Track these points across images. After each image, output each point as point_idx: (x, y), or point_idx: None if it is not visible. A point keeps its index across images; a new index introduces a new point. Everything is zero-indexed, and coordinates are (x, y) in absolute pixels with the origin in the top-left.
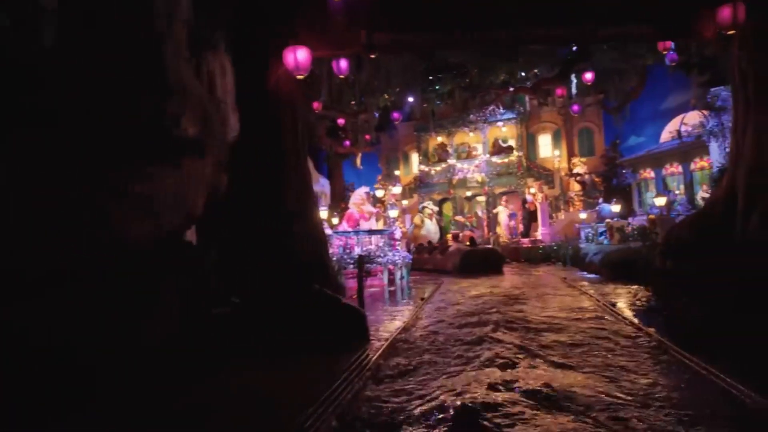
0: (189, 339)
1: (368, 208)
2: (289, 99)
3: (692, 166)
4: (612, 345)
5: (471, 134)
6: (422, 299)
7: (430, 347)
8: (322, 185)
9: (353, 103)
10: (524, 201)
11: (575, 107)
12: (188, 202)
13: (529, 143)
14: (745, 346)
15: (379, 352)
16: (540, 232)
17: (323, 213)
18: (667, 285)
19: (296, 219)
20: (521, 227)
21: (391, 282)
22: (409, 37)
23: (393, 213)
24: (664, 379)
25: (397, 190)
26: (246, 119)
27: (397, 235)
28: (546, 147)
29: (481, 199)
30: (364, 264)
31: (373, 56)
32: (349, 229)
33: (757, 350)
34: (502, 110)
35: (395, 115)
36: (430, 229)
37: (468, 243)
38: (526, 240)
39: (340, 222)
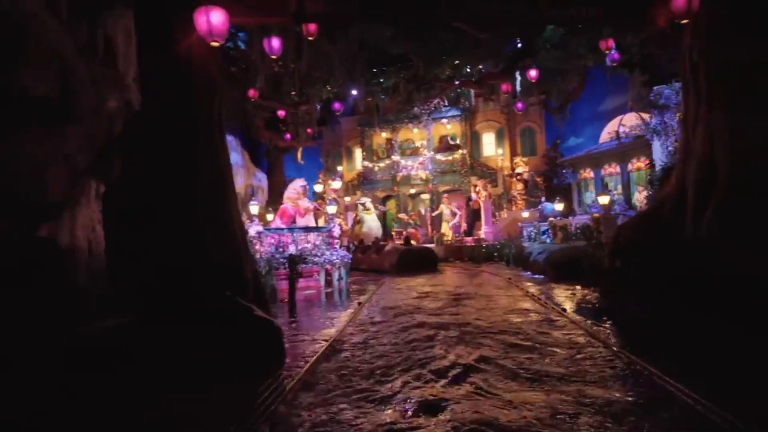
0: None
1: (305, 203)
2: (202, 71)
3: (629, 166)
4: (566, 353)
5: (415, 130)
6: (359, 303)
7: (362, 368)
8: (259, 179)
9: (293, 93)
10: (468, 199)
11: (519, 105)
12: (35, 185)
13: (473, 141)
14: (693, 346)
15: (293, 382)
16: (483, 231)
17: (254, 208)
18: (615, 285)
19: (207, 213)
20: (465, 226)
21: (329, 283)
22: (346, 8)
23: (332, 209)
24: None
25: (336, 184)
26: (149, 93)
27: (336, 232)
28: (490, 146)
29: (426, 197)
30: (296, 264)
31: (310, 37)
32: (283, 226)
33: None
34: (446, 106)
35: (336, 105)
36: (372, 226)
37: (403, 242)
38: (469, 239)
39: (275, 218)
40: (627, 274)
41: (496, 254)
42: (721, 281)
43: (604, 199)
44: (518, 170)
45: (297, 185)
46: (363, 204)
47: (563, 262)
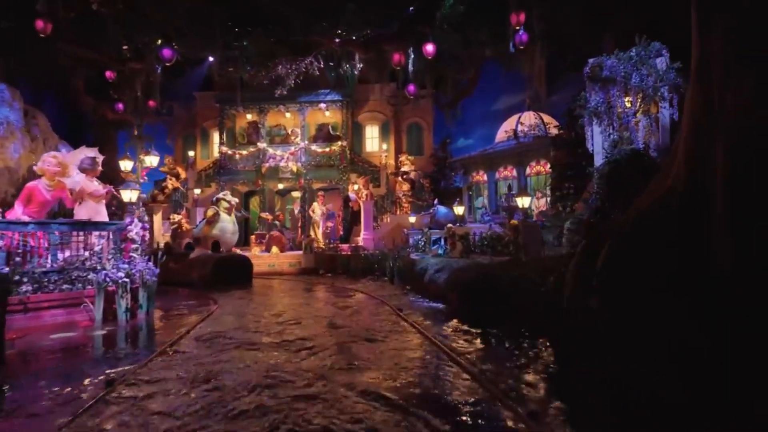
0: None
1: (76, 181)
2: None
3: (528, 170)
4: None
5: (288, 115)
6: (166, 348)
7: None
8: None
9: (126, 48)
10: (347, 199)
11: (411, 88)
12: None
13: (354, 133)
14: None
15: None
16: (362, 237)
17: None
18: (590, 339)
19: None
20: (341, 230)
21: (111, 316)
22: None
23: (129, 195)
24: None
25: (152, 160)
26: None
27: (135, 232)
28: (373, 140)
29: (297, 194)
30: (7, 287)
31: None
32: (26, 218)
33: None
34: (325, 90)
35: (166, 52)
36: (226, 228)
37: (210, 248)
38: (345, 246)
39: (26, 204)
40: (618, 325)
41: (377, 266)
42: None
43: (525, 201)
44: (404, 169)
45: (69, 155)
46: (225, 199)
47: (475, 287)
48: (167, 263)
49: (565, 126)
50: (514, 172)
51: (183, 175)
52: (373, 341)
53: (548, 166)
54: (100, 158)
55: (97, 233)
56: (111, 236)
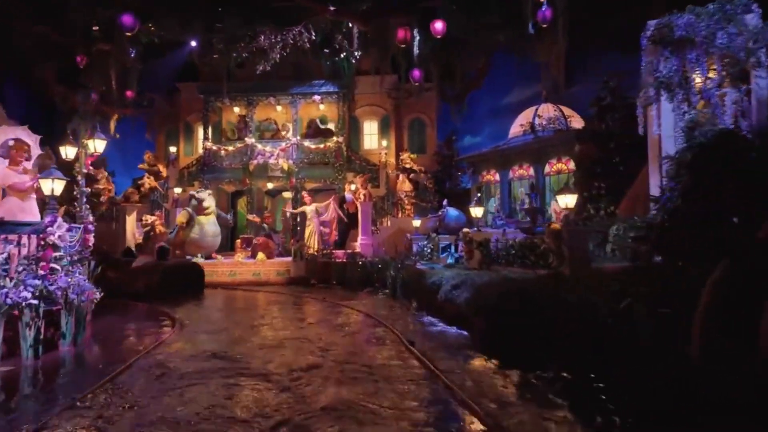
0: None
1: (13, 174)
2: None
3: (547, 168)
4: None
5: (279, 108)
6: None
7: None
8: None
9: (96, 29)
10: (342, 200)
11: (416, 73)
12: None
13: (351, 129)
14: None
15: None
16: (360, 242)
17: None
18: None
19: None
20: (335, 235)
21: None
22: None
23: (50, 186)
24: None
25: (98, 146)
26: None
27: (58, 236)
28: (372, 137)
29: (288, 195)
30: None
31: None
32: None
33: None
34: (320, 81)
35: (126, 18)
36: (207, 231)
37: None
38: (341, 252)
39: None
40: None
41: (376, 276)
42: None
43: (568, 200)
44: (407, 166)
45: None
46: (196, 197)
47: (507, 310)
48: (104, 272)
49: (595, 116)
50: (531, 171)
51: (164, 173)
52: (375, 395)
53: (570, 163)
54: (32, 141)
55: (17, 234)
56: (23, 241)
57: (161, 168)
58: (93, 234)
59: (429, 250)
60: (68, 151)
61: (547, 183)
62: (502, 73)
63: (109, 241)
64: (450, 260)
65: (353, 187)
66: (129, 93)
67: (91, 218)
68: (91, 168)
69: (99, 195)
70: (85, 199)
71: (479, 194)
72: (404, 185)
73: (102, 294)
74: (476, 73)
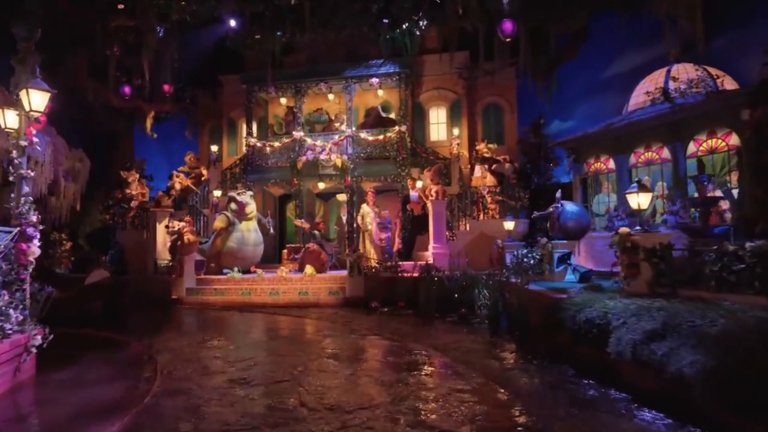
0: None
1: None
2: None
3: (691, 146)
4: None
5: (331, 96)
6: None
7: None
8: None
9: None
10: (406, 200)
11: (507, 25)
12: None
13: (416, 118)
14: None
15: None
16: (431, 251)
17: None
18: None
19: None
20: (399, 243)
21: None
22: None
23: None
24: None
25: (36, 100)
26: None
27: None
28: (439, 127)
29: (343, 197)
30: None
31: None
32: None
33: None
34: (378, 61)
35: None
36: (247, 239)
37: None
38: (408, 264)
39: None
40: None
41: (456, 296)
42: None
43: None
44: (486, 156)
45: None
46: (236, 199)
47: None
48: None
49: None
50: (665, 152)
51: (206, 175)
52: None
53: (732, 137)
54: None
55: None
56: None
57: (204, 171)
58: (36, 244)
59: (533, 261)
60: (6, 117)
61: (688, 167)
62: (600, 42)
63: (139, 252)
64: (570, 276)
65: (419, 183)
66: (166, 87)
67: (34, 218)
68: (35, 139)
69: (129, 201)
70: (26, 189)
71: (580, 187)
72: (485, 179)
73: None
74: (568, 41)
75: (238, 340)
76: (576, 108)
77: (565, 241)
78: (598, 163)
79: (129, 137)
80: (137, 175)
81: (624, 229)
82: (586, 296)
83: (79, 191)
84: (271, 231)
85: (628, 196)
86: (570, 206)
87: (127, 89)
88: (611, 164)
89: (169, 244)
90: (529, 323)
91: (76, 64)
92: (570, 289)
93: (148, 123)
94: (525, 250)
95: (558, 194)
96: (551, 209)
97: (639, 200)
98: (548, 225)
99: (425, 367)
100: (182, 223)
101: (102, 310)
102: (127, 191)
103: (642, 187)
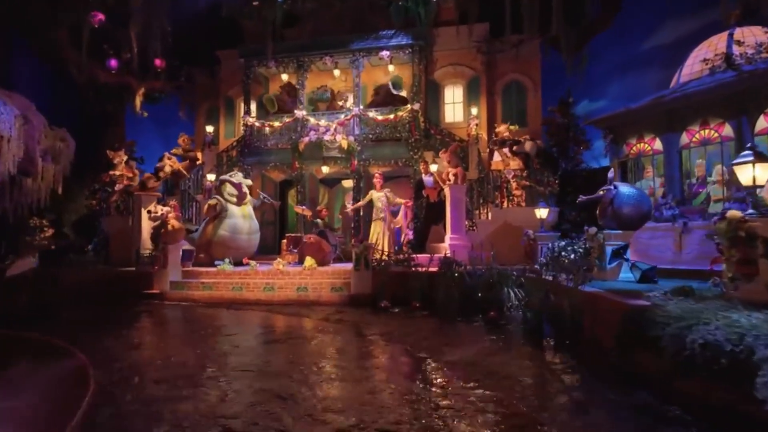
0: None
1: None
2: None
3: (761, 121)
4: None
5: (337, 72)
6: None
7: None
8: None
9: None
10: (419, 185)
11: None
12: None
13: (430, 96)
14: None
15: None
16: (448, 242)
17: None
18: None
19: None
20: (408, 233)
21: None
22: None
23: None
24: None
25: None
26: None
27: None
28: (455, 107)
29: (349, 183)
30: None
31: None
32: None
33: None
34: (388, 31)
35: None
36: (240, 227)
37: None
38: (423, 257)
39: None
40: None
41: (480, 295)
42: None
43: None
44: (506, 138)
45: None
46: (230, 181)
47: None
48: None
49: None
50: (725, 129)
51: (200, 158)
52: None
53: None
54: None
55: None
56: None
57: (200, 154)
58: None
59: (577, 257)
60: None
61: (756, 144)
62: (636, 12)
63: (125, 240)
64: (626, 273)
65: (434, 167)
66: (158, 61)
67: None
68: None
69: (114, 184)
70: None
71: (616, 170)
72: (509, 162)
73: None
74: (602, 11)
75: (212, 355)
76: (607, 86)
77: (619, 232)
78: (641, 144)
79: (121, 118)
80: (125, 157)
81: (734, 213)
82: (685, 306)
83: (61, 173)
84: (276, 204)
85: (736, 168)
86: (626, 189)
87: (113, 62)
88: (657, 145)
89: (151, 231)
90: (584, 335)
91: (58, 30)
92: (649, 294)
93: (138, 101)
94: (563, 242)
95: (610, 174)
96: (601, 192)
97: (755, 173)
98: (598, 212)
99: (464, 403)
100: (167, 208)
101: (27, 307)
102: (112, 173)
103: (759, 156)
